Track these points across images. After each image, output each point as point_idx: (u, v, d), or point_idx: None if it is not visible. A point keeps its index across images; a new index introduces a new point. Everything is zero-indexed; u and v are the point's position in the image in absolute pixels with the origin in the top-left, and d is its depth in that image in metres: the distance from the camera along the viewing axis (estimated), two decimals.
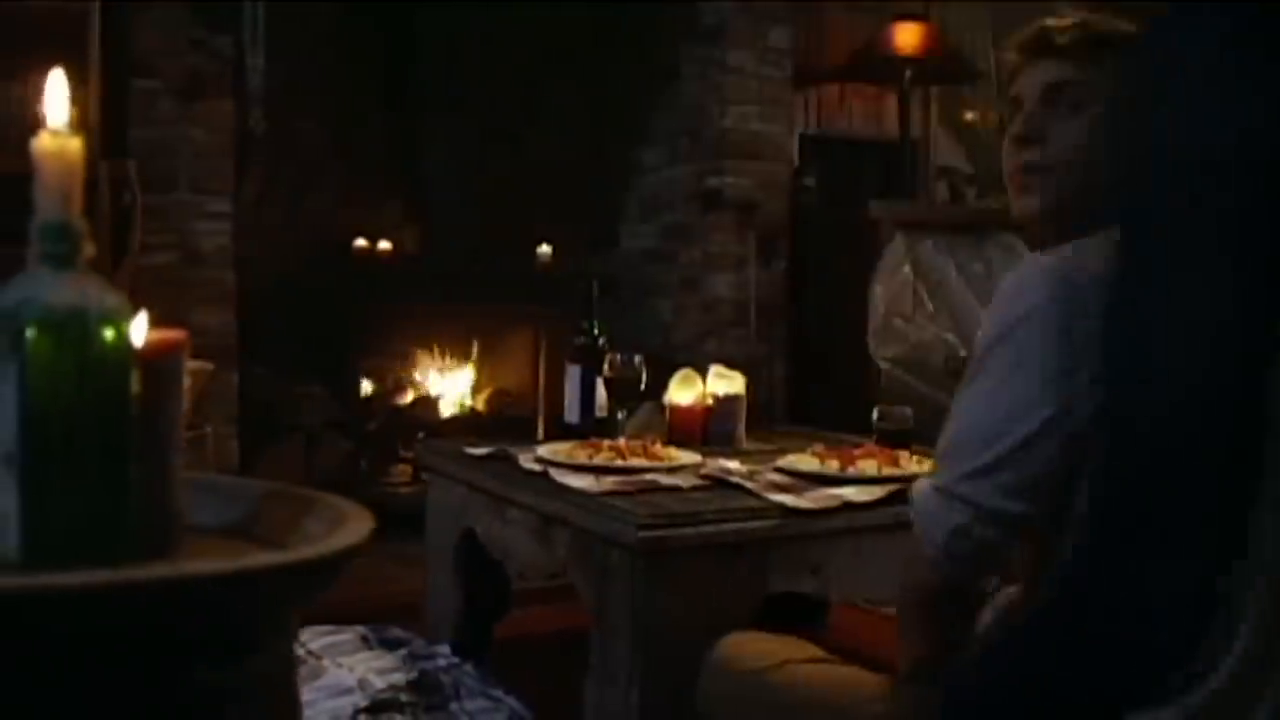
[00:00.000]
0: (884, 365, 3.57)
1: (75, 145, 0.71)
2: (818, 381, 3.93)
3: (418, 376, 3.81)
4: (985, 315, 1.22)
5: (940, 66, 4.01)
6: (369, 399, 3.66)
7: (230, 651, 0.69)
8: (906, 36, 3.92)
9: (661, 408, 2.33)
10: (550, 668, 2.16)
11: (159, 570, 0.66)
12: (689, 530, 1.59)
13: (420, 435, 3.58)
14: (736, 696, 1.44)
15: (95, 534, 0.70)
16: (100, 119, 2.54)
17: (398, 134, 3.77)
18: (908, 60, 3.93)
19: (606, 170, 4.07)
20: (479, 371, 3.91)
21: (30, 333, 0.68)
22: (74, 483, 0.69)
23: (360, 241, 3.64)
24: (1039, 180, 1.27)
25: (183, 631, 0.67)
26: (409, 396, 3.76)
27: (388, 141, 3.76)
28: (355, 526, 0.77)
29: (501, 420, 3.71)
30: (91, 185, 2.46)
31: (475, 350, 3.89)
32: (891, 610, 2.09)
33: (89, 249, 0.72)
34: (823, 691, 1.37)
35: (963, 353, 3.60)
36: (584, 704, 1.72)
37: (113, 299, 0.71)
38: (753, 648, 1.49)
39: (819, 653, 1.47)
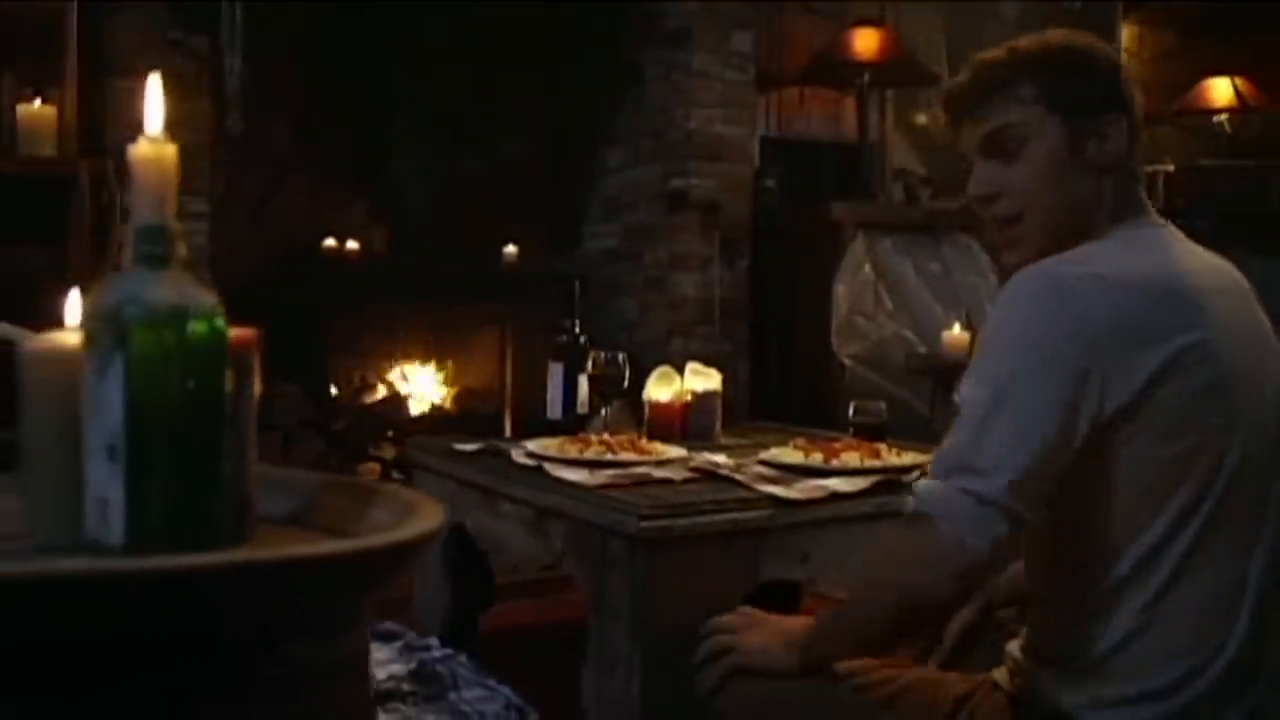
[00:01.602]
0: (847, 362, 3.66)
1: (171, 151, 0.75)
2: (778, 379, 4.01)
3: (386, 376, 3.83)
4: (993, 322, 1.22)
5: (897, 71, 4.11)
6: (337, 398, 3.68)
7: (324, 633, 0.74)
8: (864, 41, 4.02)
9: (630, 405, 2.39)
10: (533, 658, 2.21)
11: (266, 554, 0.70)
12: (686, 521, 1.65)
13: (389, 434, 3.61)
14: (743, 681, 1.49)
15: (192, 522, 0.74)
16: (78, 118, 2.54)
17: (364, 135, 3.78)
18: (865, 65, 4.03)
19: (571, 171, 4.12)
20: (446, 370, 3.94)
21: (134, 330, 0.71)
22: (173, 473, 0.73)
23: (329, 242, 3.64)
24: (1018, 229, 1.30)
25: (280, 613, 0.71)
26: (377, 395, 3.78)
27: (355, 142, 3.77)
28: (428, 512, 0.81)
29: (469, 418, 3.74)
30: (71, 185, 2.46)
31: (443, 349, 3.91)
32: None
33: (182, 249, 0.76)
34: (829, 673, 1.42)
35: (922, 349, 3.71)
36: (569, 692, 1.76)
37: (207, 298, 0.75)
38: None
39: None
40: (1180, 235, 1.30)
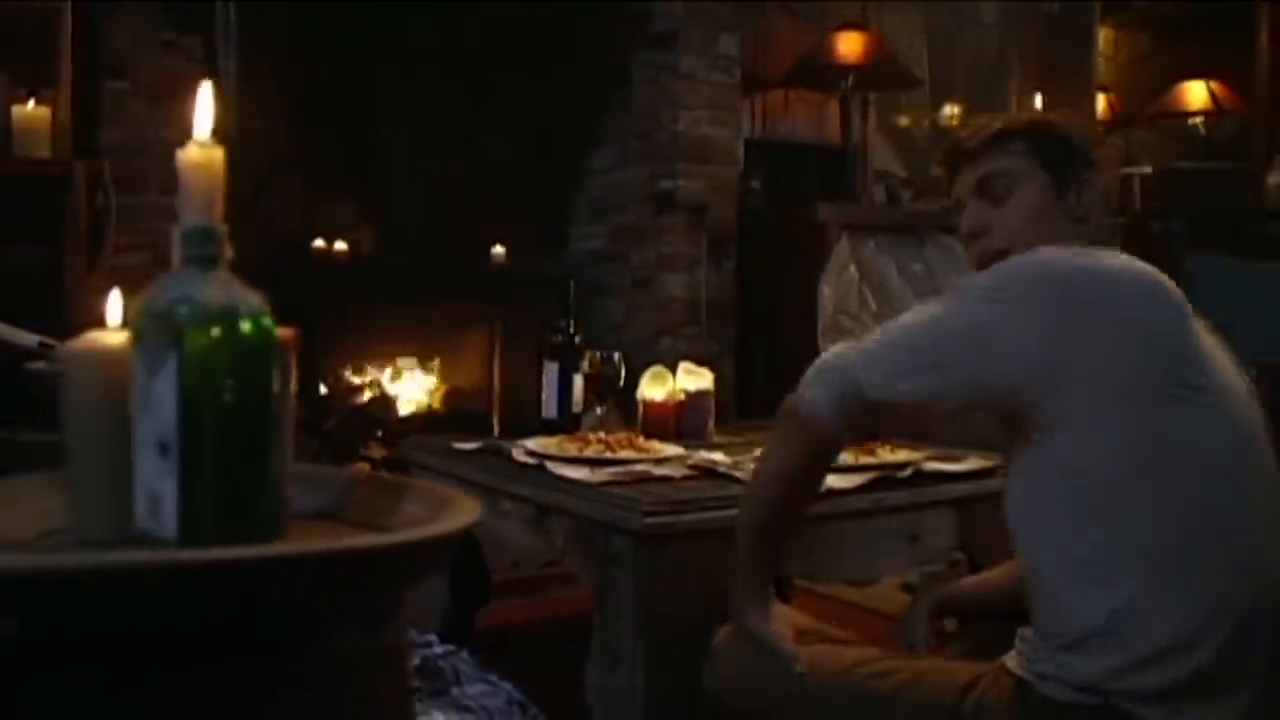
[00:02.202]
0: None
1: (219, 156, 0.77)
2: (764, 378, 4.04)
3: (375, 376, 3.84)
4: (993, 269, 1.34)
5: (880, 74, 4.16)
6: (326, 399, 3.69)
7: (368, 624, 0.76)
8: (848, 45, 4.06)
9: (618, 405, 2.42)
10: (528, 655, 2.23)
11: (321, 546, 0.72)
12: (689, 517, 1.68)
13: (378, 434, 3.62)
14: (751, 674, 1.52)
15: (240, 517, 0.76)
16: (72, 119, 2.54)
17: (354, 136, 3.79)
18: (849, 68, 4.07)
19: (558, 172, 4.14)
20: (435, 370, 3.95)
21: (187, 330, 0.73)
22: (224, 470, 0.75)
23: (318, 242, 3.65)
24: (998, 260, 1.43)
25: (329, 604, 0.73)
26: (366, 396, 3.79)
27: (344, 143, 3.77)
28: (464, 506, 0.84)
29: (458, 417, 3.76)
30: (66, 186, 2.47)
31: (431, 349, 3.93)
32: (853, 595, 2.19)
33: (229, 251, 0.78)
34: (837, 666, 1.45)
35: None
36: (569, 688, 1.78)
37: (255, 298, 0.77)
38: None
39: (817, 625, 1.58)
40: None
